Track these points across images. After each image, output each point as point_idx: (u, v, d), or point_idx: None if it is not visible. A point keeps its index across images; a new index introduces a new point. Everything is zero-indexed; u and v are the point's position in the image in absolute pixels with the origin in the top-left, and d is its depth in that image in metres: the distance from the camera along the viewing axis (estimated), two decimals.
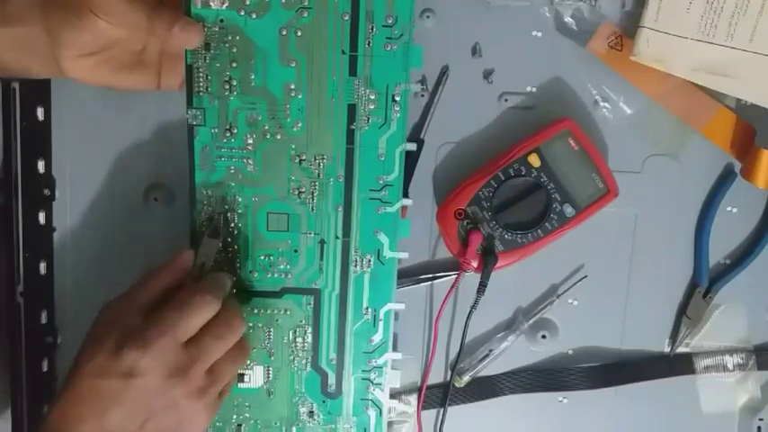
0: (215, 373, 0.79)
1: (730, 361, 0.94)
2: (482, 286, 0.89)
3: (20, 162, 0.86)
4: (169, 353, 0.75)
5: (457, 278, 0.89)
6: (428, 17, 0.88)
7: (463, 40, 0.89)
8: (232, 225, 0.86)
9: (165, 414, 0.76)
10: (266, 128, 0.83)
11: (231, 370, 0.82)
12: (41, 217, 0.90)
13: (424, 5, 0.88)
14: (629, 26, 0.87)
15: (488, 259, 0.88)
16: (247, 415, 0.91)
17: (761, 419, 0.95)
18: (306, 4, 0.80)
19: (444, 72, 0.89)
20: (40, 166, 0.89)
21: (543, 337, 0.94)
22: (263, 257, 0.87)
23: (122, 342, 0.74)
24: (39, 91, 0.88)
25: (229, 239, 0.86)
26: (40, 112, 0.88)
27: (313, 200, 0.85)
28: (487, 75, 0.90)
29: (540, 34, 0.89)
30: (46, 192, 0.90)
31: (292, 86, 0.82)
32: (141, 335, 0.75)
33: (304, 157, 0.84)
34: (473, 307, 0.90)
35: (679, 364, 0.95)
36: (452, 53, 0.90)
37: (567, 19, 0.88)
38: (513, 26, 0.89)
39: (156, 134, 0.90)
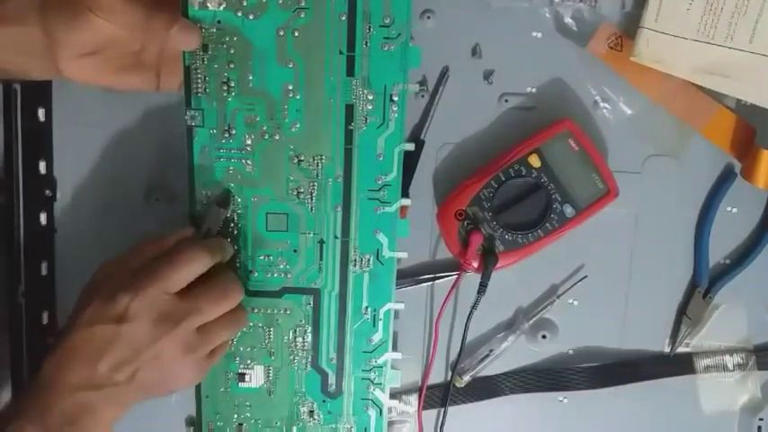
0: (206, 333, 0.80)
1: (730, 361, 0.94)
2: (482, 286, 0.89)
3: (21, 163, 0.86)
4: (158, 300, 0.76)
5: (457, 278, 0.89)
6: (428, 18, 0.88)
7: (463, 40, 0.90)
8: (232, 225, 0.86)
9: (152, 365, 0.77)
10: (264, 128, 0.83)
11: (222, 334, 0.83)
12: (43, 218, 0.90)
13: (424, 6, 0.88)
14: (629, 27, 0.87)
15: (489, 259, 0.88)
16: (248, 414, 0.91)
17: (761, 419, 0.95)
18: (303, 4, 0.80)
19: (444, 73, 0.89)
20: (42, 166, 0.89)
21: (543, 337, 0.94)
22: (262, 257, 0.87)
23: (114, 290, 0.76)
24: (40, 92, 0.88)
25: (229, 240, 0.86)
26: (41, 113, 0.88)
27: (312, 200, 0.85)
28: (488, 75, 0.90)
29: (540, 35, 0.89)
30: (47, 192, 0.90)
31: (290, 87, 0.82)
32: (132, 282, 0.76)
33: (302, 158, 0.84)
34: (473, 307, 0.90)
35: (679, 364, 0.95)
36: (452, 54, 0.90)
37: (568, 20, 0.88)
38: (514, 27, 0.89)
39: (157, 135, 0.90)
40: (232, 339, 0.89)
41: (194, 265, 0.79)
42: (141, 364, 0.76)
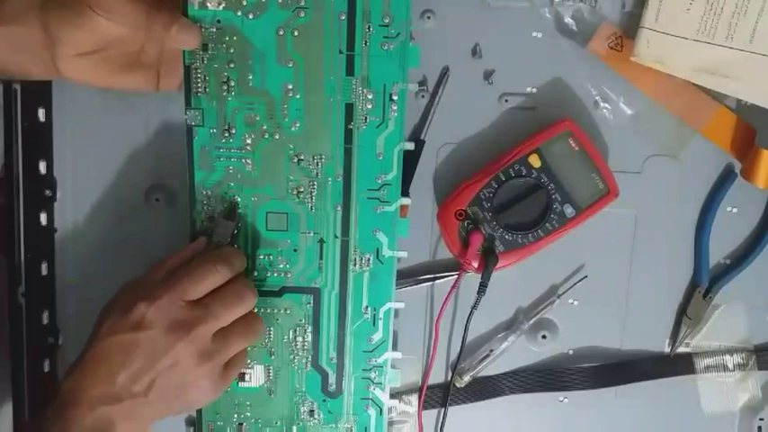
0: (221, 341, 0.80)
1: (730, 361, 0.94)
2: (483, 286, 0.89)
3: (21, 163, 0.86)
4: (174, 307, 0.77)
5: (457, 278, 0.89)
6: (428, 18, 0.88)
7: (463, 40, 0.90)
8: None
9: (169, 374, 0.77)
10: (264, 128, 0.83)
11: (239, 343, 0.82)
12: (43, 218, 0.90)
13: (424, 6, 0.88)
14: (630, 27, 0.87)
15: (489, 260, 0.88)
16: (248, 414, 0.91)
17: (761, 419, 0.95)
18: (302, 4, 0.80)
19: (445, 73, 0.89)
20: (42, 166, 0.89)
21: (544, 337, 0.94)
22: (262, 257, 0.87)
23: (132, 302, 0.77)
24: (40, 92, 0.88)
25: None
26: (41, 113, 0.88)
27: (312, 199, 0.85)
28: (488, 75, 0.90)
29: (540, 35, 0.89)
30: (47, 192, 0.90)
31: (290, 86, 0.82)
32: (150, 291, 0.77)
33: (302, 157, 0.84)
34: (474, 307, 0.90)
35: (679, 364, 0.95)
36: (453, 54, 0.90)
37: (568, 20, 0.88)
38: (514, 27, 0.89)
39: (158, 135, 0.90)
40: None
41: (213, 278, 0.80)
42: (158, 372, 0.76)
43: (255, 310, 0.87)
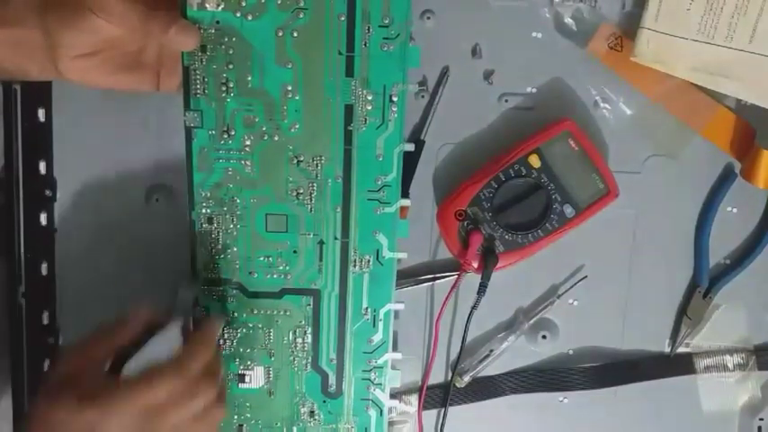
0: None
1: (730, 361, 0.94)
2: (482, 287, 0.89)
3: (21, 163, 0.86)
4: (130, 419, 0.72)
5: (457, 279, 0.89)
6: (428, 18, 0.88)
7: (463, 40, 0.90)
8: (231, 226, 0.86)
9: None
10: (264, 129, 0.83)
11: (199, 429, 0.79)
12: (43, 218, 0.90)
13: (424, 6, 0.88)
14: (629, 27, 0.87)
15: (489, 260, 0.88)
16: (248, 415, 0.91)
17: (761, 419, 0.96)
18: (302, 5, 0.80)
19: (444, 73, 0.89)
20: (42, 167, 0.89)
21: (544, 337, 0.94)
22: (262, 258, 0.87)
23: (84, 399, 0.71)
24: (40, 92, 0.88)
25: (227, 242, 0.86)
26: (41, 114, 0.88)
27: (311, 201, 0.85)
28: (488, 75, 0.90)
29: (540, 35, 0.89)
30: (47, 193, 0.90)
31: (289, 88, 0.82)
32: (104, 396, 0.72)
33: (302, 158, 0.84)
34: (474, 307, 0.90)
35: (679, 364, 0.95)
36: (453, 54, 0.90)
37: (567, 20, 0.88)
38: (514, 27, 0.89)
39: (158, 135, 0.90)
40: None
41: (171, 385, 0.75)
42: None
43: (255, 312, 0.88)
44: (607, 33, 0.87)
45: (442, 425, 0.94)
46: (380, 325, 0.89)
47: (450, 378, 0.94)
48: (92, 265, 0.92)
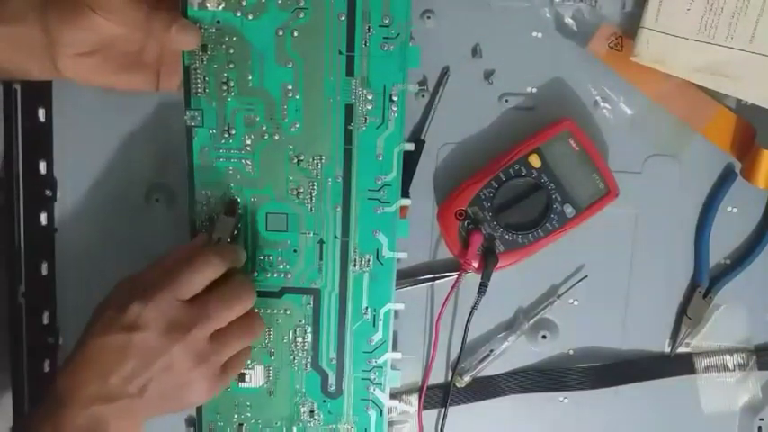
0: (218, 342, 0.79)
1: (730, 361, 0.94)
2: (483, 287, 0.89)
3: (21, 163, 0.86)
4: (170, 307, 0.76)
5: (457, 279, 0.89)
6: (428, 18, 0.88)
7: (463, 40, 0.90)
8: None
9: (164, 376, 0.76)
10: (264, 128, 0.83)
11: (236, 343, 0.81)
12: (43, 218, 0.90)
13: (424, 6, 0.88)
14: (630, 27, 0.87)
15: (489, 260, 0.88)
16: (248, 414, 0.91)
17: (761, 419, 0.95)
18: (302, 4, 0.80)
19: (445, 73, 0.89)
20: (42, 166, 0.89)
21: (544, 337, 0.94)
22: (262, 257, 0.87)
23: (127, 300, 0.76)
24: (40, 92, 0.88)
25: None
26: (41, 113, 0.88)
27: (312, 200, 0.85)
28: (488, 75, 0.90)
29: (540, 35, 0.89)
30: (47, 192, 0.90)
31: (289, 87, 0.82)
32: (144, 290, 0.76)
33: (302, 158, 0.84)
34: (474, 307, 0.90)
35: (679, 364, 0.95)
36: (453, 54, 0.90)
37: (568, 20, 0.88)
38: (514, 27, 0.89)
39: (158, 135, 0.90)
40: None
41: (206, 271, 0.78)
42: (153, 374, 0.75)
43: (255, 311, 0.87)
44: (607, 33, 0.87)
45: (442, 425, 0.94)
46: (380, 325, 0.89)
47: (450, 378, 0.94)
48: (92, 266, 0.92)
